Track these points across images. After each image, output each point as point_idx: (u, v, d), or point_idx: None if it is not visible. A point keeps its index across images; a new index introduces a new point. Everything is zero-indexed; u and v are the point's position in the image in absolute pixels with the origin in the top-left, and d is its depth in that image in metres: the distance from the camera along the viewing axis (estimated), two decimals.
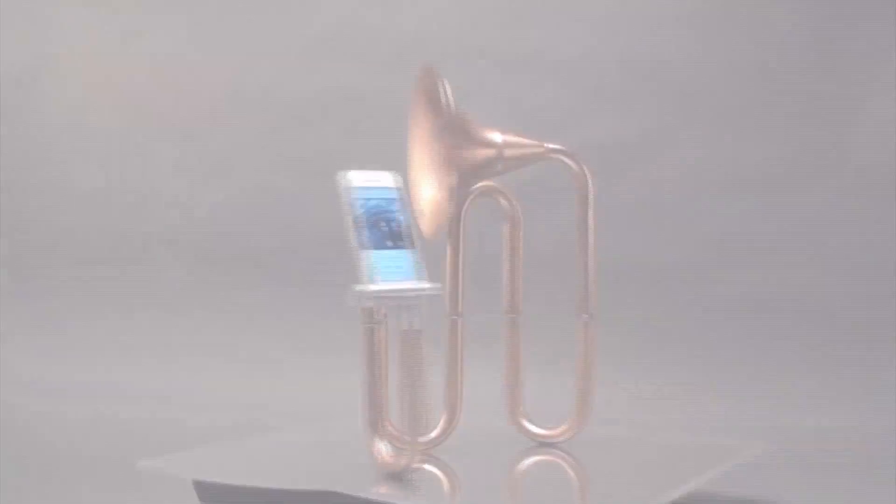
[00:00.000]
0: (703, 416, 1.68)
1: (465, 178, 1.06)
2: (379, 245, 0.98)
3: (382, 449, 0.98)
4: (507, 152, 1.09)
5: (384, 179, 1.02)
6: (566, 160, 1.14)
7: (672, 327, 1.81)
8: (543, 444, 1.17)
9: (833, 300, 1.80)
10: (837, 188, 1.81)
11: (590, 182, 1.17)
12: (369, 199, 1.00)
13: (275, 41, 1.91)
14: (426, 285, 0.97)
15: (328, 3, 1.91)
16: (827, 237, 1.81)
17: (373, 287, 0.95)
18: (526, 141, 1.12)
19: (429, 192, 1.07)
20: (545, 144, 1.13)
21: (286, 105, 1.90)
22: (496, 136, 1.09)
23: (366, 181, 1.01)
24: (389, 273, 0.97)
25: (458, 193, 1.05)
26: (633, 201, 1.85)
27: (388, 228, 0.99)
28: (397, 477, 0.97)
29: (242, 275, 1.89)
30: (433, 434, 1.11)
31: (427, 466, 1.03)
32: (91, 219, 1.93)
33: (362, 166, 1.09)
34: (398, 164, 1.11)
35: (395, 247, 0.98)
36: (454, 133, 1.02)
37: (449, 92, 1.02)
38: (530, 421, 1.19)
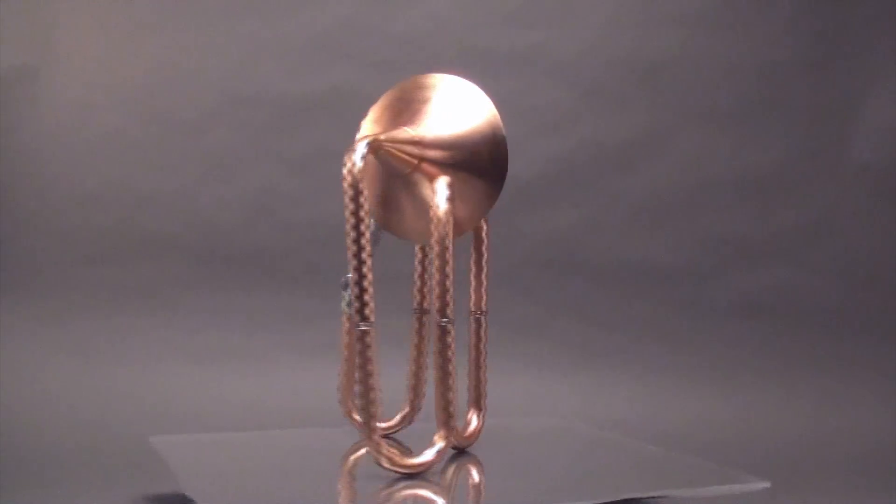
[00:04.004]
0: (702, 416, 1.68)
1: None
2: None
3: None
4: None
5: None
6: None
7: (672, 327, 1.81)
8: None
9: (833, 300, 1.80)
10: (837, 188, 1.82)
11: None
12: None
13: (275, 41, 1.91)
14: None
15: (329, 3, 1.91)
16: (827, 237, 1.81)
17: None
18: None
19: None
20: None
21: (286, 105, 1.91)
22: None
23: None
24: None
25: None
26: (633, 201, 1.85)
27: None
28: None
29: (242, 275, 1.89)
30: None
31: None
32: (91, 219, 1.94)
33: None
34: None
35: None
36: None
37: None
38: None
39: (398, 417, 1.18)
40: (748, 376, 1.76)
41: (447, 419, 1.03)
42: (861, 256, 1.80)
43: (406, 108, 1.10)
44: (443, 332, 1.03)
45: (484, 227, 1.14)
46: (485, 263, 1.13)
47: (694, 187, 1.84)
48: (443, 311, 1.03)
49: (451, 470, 1.06)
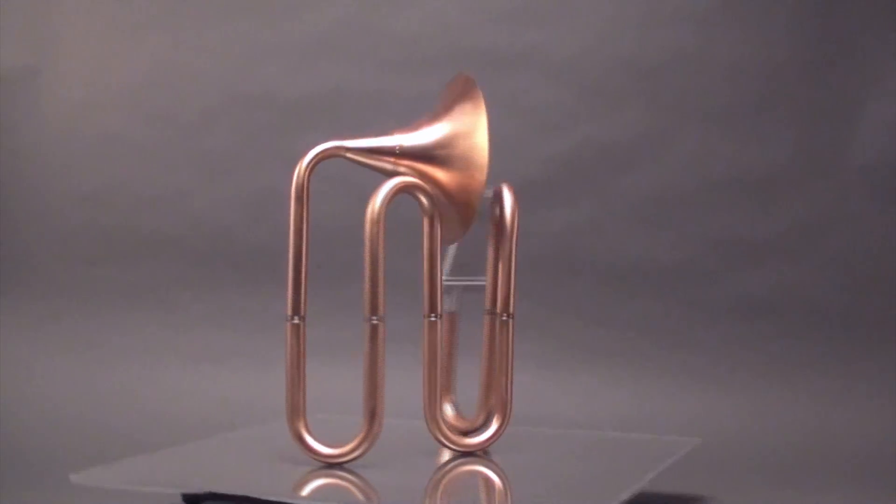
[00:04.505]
0: (702, 416, 1.68)
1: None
2: None
3: None
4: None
5: None
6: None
7: (672, 327, 1.81)
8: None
9: (833, 300, 1.79)
10: (837, 188, 1.81)
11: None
12: None
13: (275, 41, 1.91)
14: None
15: (329, 3, 1.91)
16: (827, 237, 1.81)
17: None
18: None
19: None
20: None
21: (286, 105, 1.90)
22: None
23: None
24: None
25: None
26: (633, 201, 1.85)
27: None
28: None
29: (242, 275, 1.89)
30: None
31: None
32: (91, 219, 1.93)
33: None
34: None
35: None
36: None
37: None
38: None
39: (479, 419, 1.14)
40: (749, 376, 1.76)
41: (373, 415, 1.03)
42: (861, 256, 1.80)
43: (427, 110, 1.13)
44: (373, 330, 1.03)
45: (509, 224, 1.13)
46: (512, 263, 1.13)
47: (694, 187, 1.84)
48: (373, 310, 1.03)
49: (444, 470, 1.06)
